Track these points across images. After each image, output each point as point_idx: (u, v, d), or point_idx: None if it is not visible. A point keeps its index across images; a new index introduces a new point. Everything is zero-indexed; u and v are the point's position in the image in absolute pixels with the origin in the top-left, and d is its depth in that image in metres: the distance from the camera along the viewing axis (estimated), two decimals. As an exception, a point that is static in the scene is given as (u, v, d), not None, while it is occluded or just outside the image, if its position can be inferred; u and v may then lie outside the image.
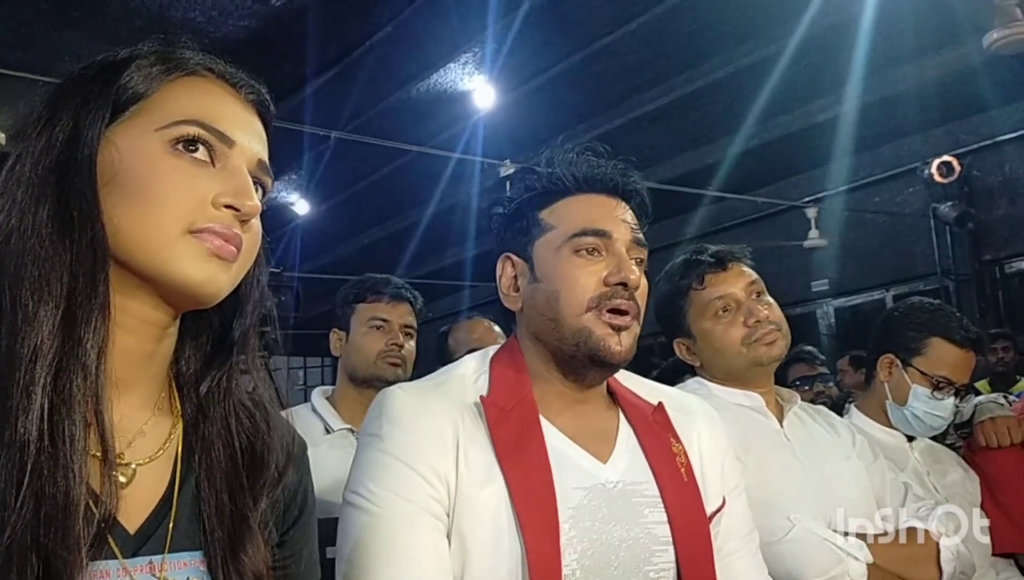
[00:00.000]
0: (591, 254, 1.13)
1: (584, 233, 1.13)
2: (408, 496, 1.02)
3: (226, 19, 4.67)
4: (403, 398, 1.10)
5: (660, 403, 1.21)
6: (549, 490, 1.04)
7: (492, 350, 1.22)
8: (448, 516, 1.03)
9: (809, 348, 3.99)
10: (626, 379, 1.26)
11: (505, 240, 1.23)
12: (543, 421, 1.11)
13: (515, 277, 1.21)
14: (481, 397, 1.11)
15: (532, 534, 1.00)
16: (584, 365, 1.13)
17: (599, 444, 1.13)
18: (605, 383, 1.20)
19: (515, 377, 1.15)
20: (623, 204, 1.19)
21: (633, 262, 1.14)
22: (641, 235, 1.18)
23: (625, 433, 1.16)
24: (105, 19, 4.49)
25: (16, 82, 3.45)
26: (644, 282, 1.15)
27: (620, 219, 1.16)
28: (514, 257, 1.21)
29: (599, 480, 1.09)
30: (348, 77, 5.32)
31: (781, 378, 2.52)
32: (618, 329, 1.11)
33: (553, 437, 1.11)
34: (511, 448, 1.06)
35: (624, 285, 1.11)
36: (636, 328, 1.14)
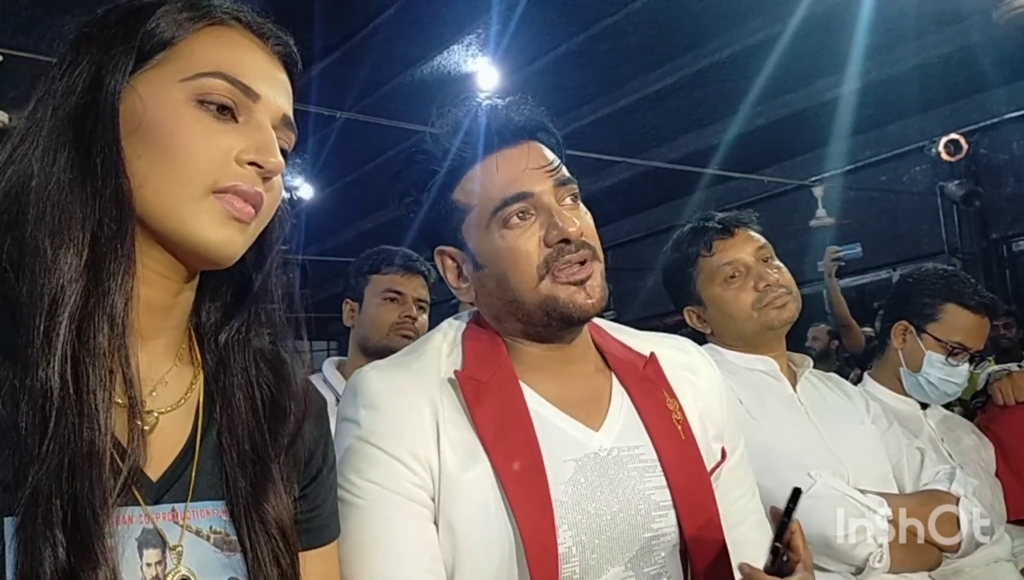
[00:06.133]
0: (521, 219, 1.05)
1: (504, 204, 1.05)
2: (390, 485, 0.97)
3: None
4: (377, 380, 1.04)
5: (652, 354, 1.15)
6: (538, 465, 0.99)
7: (464, 318, 1.16)
8: (434, 501, 0.99)
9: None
10: (617, 332, 1.20)
11: (430, 235, 1.15)
12: (526, 390, 1.06)
13: (458, 268, 1.13)
14: (456, 372, 1.05)
15: (524, 514, 0.96)
16: (560, 328, 1.07)
17: (590, 410, 1.08)
18: (592, 345, 1.14)
19: (489, 346, 1.09)
20: (531, 145, 1.08)
21: (566, 206, 1.06)
22: (563, 171, 1.07)
23: (618, 396, 1.10)
24: (108, 4, 4.45)
25: (18, 63, 3.42)
26: (587, 218, 1.08)
27: (534, 168, 1.06)
28: (448, 249, 1.13)
29: (591, 449, 1.04)
30: (352, 60, 5.30)
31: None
32: (581, 282, 1.04)
33: (539, 406, 1.05)
34: (493, 424, 1.01)
35: (566, 241, 1.03)
36: (599, 267, 1.07)
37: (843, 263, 4.69)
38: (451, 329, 1.13)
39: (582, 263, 1.04)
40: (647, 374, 1.13)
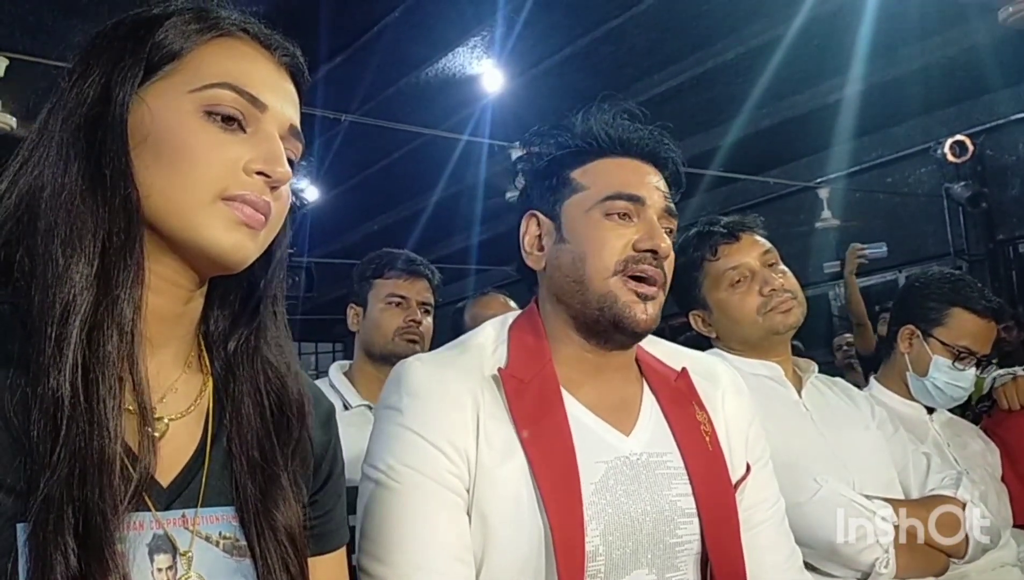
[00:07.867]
0: (622, 219, 1.11)
1: (617, 197, 1.11)
2: (427, 472, 1.01)
3: (235, 5, 4.65)
4: (422, 371, 1.08)
5: (684, 369, 1.19)
6: (571, 464, 1.02)
7: (511, 317, 1.20)
8: (468, 492, 1.02)
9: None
10: (651, 345, 1.24)
11: (532, 197, 1.20)
12: (564, 393, 1.09)
13: (539, 236, 1.18)
14: (499, 369, 1.08)
15: (555, 510, 0.99)
16: (606, 330, 1.11)
17: (622, 415, 1.12)
18: (633, 352, 1.18)
19: (535, 346, 1.13)
20: (657, 171, 1.17)
21: (664, 231, 1.12)
22: (673, 205, 1.16)
23: (649, 403, 1.15)
24: (114, 7, 4.46)
25: (25, 67, 3.43)
26: (672, 253, 1.14)
27: (654, 186, 1.14)
28: (540, 215, 1.18)
29: (622, 453, 1.08)
30: (357, 62, 5.29)
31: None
32: (644, 297, 1.09)
33: (575, 409, 1.09)
34: (531, 422, 1.04)
35: (654, 252, 1.09)
36: (661, 298, 1.12)
37: (866, 261, 4.66)
38: (499, 325, 1.18)
39: (653, 282, 1.10)
40: (678, 386, 1.18)
